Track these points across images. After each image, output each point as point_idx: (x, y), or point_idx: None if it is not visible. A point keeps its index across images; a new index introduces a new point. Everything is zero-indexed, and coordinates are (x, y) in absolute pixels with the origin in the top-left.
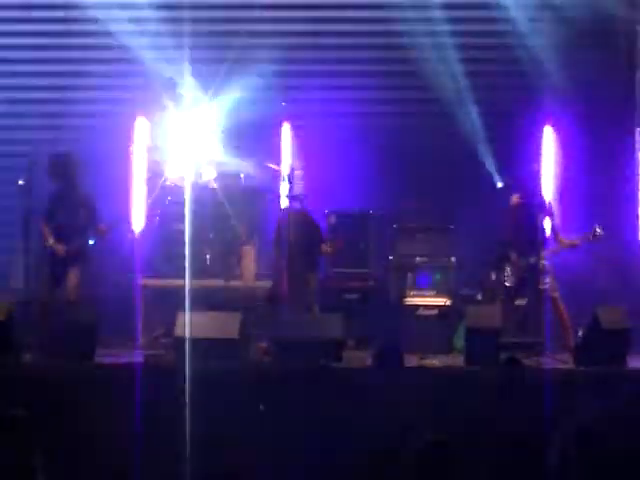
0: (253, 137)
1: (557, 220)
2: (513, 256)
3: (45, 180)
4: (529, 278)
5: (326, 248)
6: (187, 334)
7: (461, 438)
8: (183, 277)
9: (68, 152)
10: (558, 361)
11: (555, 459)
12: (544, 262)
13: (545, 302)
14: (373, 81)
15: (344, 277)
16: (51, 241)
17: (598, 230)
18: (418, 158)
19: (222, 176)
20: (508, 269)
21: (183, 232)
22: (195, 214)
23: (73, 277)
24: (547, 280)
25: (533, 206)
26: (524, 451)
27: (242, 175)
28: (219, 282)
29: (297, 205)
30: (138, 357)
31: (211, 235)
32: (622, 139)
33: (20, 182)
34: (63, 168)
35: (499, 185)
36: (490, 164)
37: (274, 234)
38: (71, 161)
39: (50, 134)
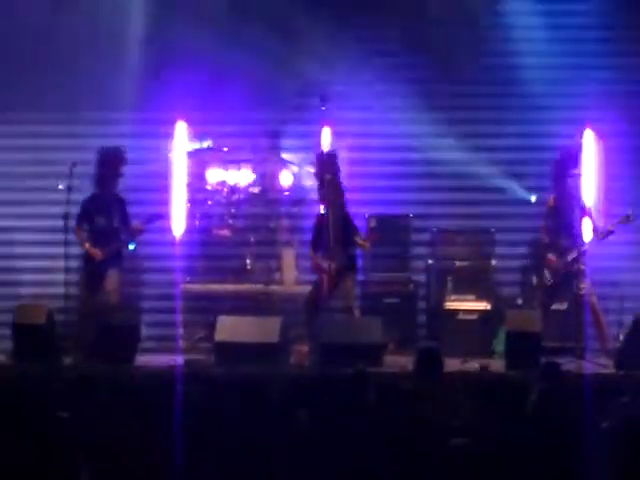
0: (294, 141)
1: (596, 221)
2: (552, 257)
3: (84, 186)
4: (567, 282)
5: (362, 241)
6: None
7: (497, 442)
8: (224, 281)
9: (117, 147)
10: (598, 365)
11: (591, 463)
12: (582, 267)
13: (584, 306)
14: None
15: (384, 281)
16: (87, 245)
17: (630, 213)
18: (457, 163)
19: (262, 180)
20: (547, 272)
21: (223, 237)
22: (235, 218)
23: (111, 281)
24: (585, 284)
25: (571, 207)
26: (563, 456)
27: (282, 178)
28: (259, 286)
29: (335, 208)
30: (179, 360)
31: (252, 239)
32: None
33: (60, 187)
34: (114, 163)
35: (533, 199)
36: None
37: (312, 235)
38: (119, 155)
39: (93, 141)
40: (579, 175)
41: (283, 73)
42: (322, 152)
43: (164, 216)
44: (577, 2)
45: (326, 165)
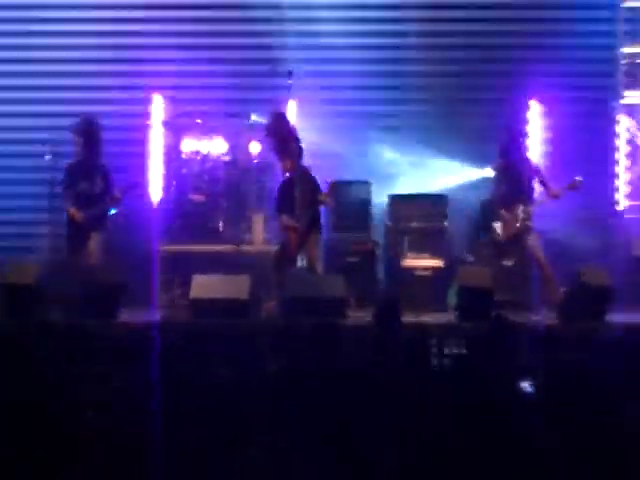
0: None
1: (545, 177)
2: (503, 213)
3: (67, 154)
4: (516, 239)
5: (324, 197)
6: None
7: (451, 388)
8: (198, 243)
9: (96, 117)
10: (543, 317)
11: (534, 408)
12: (531, 224)
13: (531, 262)
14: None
15: (346, 241)
16: (71, 209)
17: (578, 179)
18: (413, 130)
19: (234, 149)
20: (498, 228)
21: (198, 202)
22: (208, 185)
23: (93, 242)
24: (533, 241)
25: (522, 171)
26: (508, 399)
27: (251, 148)
28: (231, 247)
29: (296, 167)
30: (157, 316)
31: (224, 204)
32: (602, 109)
33: (47, 157)
34: (90, 129)
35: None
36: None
37: (278, 197)
38: (97, 124)
39: (73, 108)
40: (527, 141)
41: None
42: (274, 113)
43: (142, 184)
44: None
45: (280, 124)
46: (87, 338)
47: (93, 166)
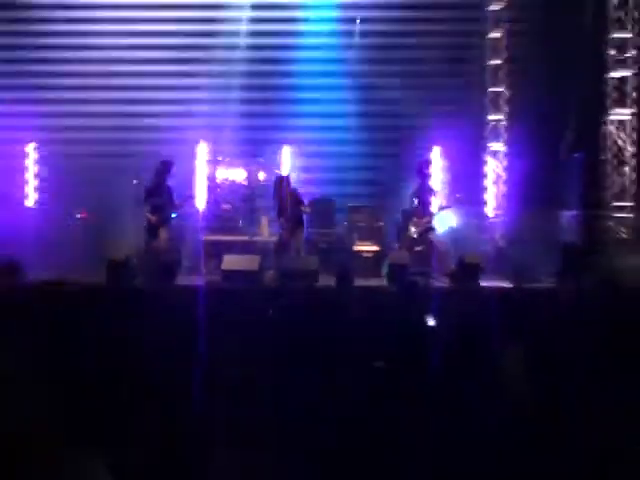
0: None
1: (441, 201)
2: (416, 220)
3: (146, 178)
4: (424, 235)
5: (305, 208)
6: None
7: (378, 323)
8: (227, 234)
9: (169, 159)
10: (440, 282)
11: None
12: (431, 226)
13: (433, 249)
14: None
15: (319, 234)
16: (148, 214)
17: (457, 196)
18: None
19: (249, 176)
20: (412, 228)
21: (226, 209)
22: (233, 199)
23: (163, 235)
24: (432, 234)
25: (427, 191)
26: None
27: (259, 176)
28: (247, 237)
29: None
30: (200, 282)
31: (243, 210)
32: (476, 154)
33: (135, 181)
34: (163, 165)
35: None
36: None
37: (277, 207)
38: (168, 162)
39: (148, 147)
40: (430, 172)
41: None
42: (278, 175)
43: (192, 198)
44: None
45: (280, 184)
46: (156, 298)
47: (162, 186)
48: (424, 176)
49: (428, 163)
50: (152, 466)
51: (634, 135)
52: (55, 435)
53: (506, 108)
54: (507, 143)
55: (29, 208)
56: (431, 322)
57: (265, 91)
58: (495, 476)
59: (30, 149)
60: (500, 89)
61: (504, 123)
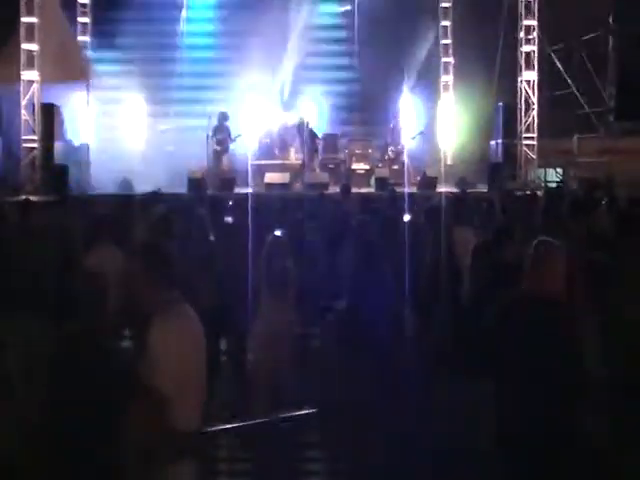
0: None
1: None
2: (391, 147)
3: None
4: (398, 156)
5: (319, 141)
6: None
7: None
8: None
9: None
10: (410, 189)
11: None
12: (402, 150)
13: (405, 166)
14: None
15: (328, 158)
16: (215, 146)
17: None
18: None
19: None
20: (390, 152)
21: (267, 142)
22: None
23: (225, 160)
24: (403, 157)
25: (398, 126)
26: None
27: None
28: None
29: None
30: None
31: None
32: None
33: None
34: (224, 115)
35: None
36: None
37: (299, 140)
38: (226, 113)
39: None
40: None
41: None
42: (300, 118)
43: (242, 135)
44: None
45: (301, 125)
46: (222, 201)
47: (223, 126)
48: (396, 116)
49: (398, 111)
50: None
51: (537, 89)
52: None
53: (451, 74)
54: (454, 99)
55: None
56: (406, 216)
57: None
58: None
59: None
60: (449, 59)
61: (451, 83)
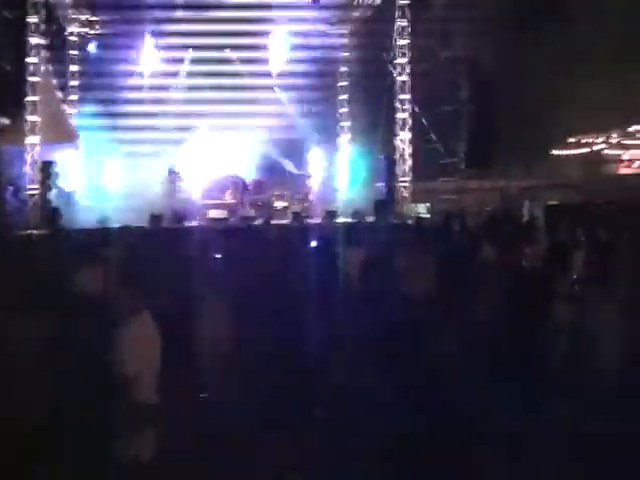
0: None
1: None
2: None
3: None
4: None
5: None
6: None
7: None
8: None
9: None
10: (315, 220)
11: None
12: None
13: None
14: None
15: (259, 200)
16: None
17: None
18: None
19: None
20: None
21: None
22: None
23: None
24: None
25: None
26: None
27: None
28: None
29: None
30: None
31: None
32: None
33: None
34: None
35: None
36: None
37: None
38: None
39: None
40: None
41: None
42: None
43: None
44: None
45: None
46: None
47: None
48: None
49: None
50: None
51: (409, 145)
52: None
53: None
54: (350, 152)
55: None
56: (312, 242)
57: None
58: None
59: None
60: (347, 123)
61: (347, 140)
